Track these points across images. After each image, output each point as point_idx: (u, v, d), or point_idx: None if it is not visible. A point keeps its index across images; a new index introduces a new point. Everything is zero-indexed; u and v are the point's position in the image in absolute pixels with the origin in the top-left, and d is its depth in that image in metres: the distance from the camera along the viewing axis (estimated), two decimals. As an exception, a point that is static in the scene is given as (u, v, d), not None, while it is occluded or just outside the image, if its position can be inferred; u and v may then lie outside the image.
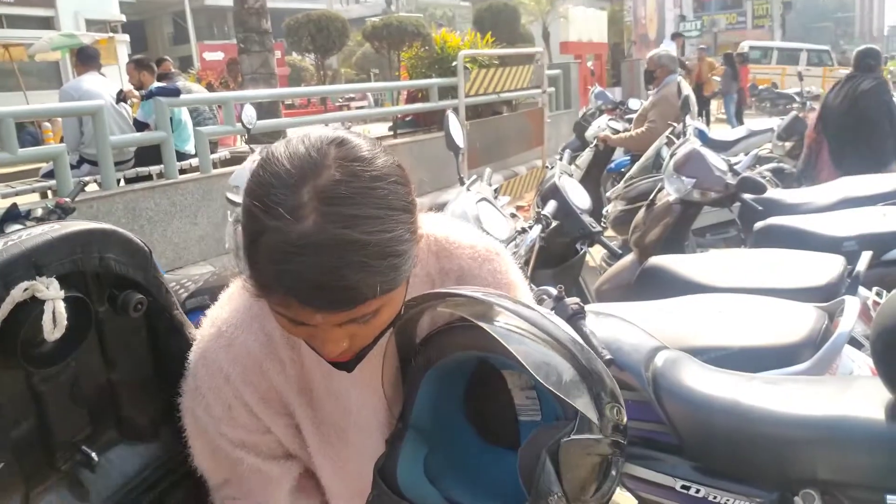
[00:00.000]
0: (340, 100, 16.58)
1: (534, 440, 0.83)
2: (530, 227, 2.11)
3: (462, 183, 2.75)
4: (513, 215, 2.35)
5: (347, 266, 0.74)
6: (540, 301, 1.72)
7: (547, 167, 4.18)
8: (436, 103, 7.70)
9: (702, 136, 5.00)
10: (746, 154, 4.68)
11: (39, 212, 3.03)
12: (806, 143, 5.07)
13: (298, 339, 0.94)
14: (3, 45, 13.16)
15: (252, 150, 4.33)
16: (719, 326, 1.89)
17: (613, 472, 0.84)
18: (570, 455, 0.80)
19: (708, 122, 12.26)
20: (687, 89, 4.77)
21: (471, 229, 1.10)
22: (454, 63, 7.44)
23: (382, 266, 0.76)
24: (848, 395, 1.40)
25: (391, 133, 9.35)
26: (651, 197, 3.22)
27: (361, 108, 15.26)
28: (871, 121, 4.51)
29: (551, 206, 2.35)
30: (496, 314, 0.88)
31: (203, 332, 1.03)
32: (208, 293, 2.76)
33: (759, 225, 2.98)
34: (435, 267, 1.03)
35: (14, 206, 2.99)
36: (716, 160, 3.16)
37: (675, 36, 12.87)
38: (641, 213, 3.17)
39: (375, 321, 0.83)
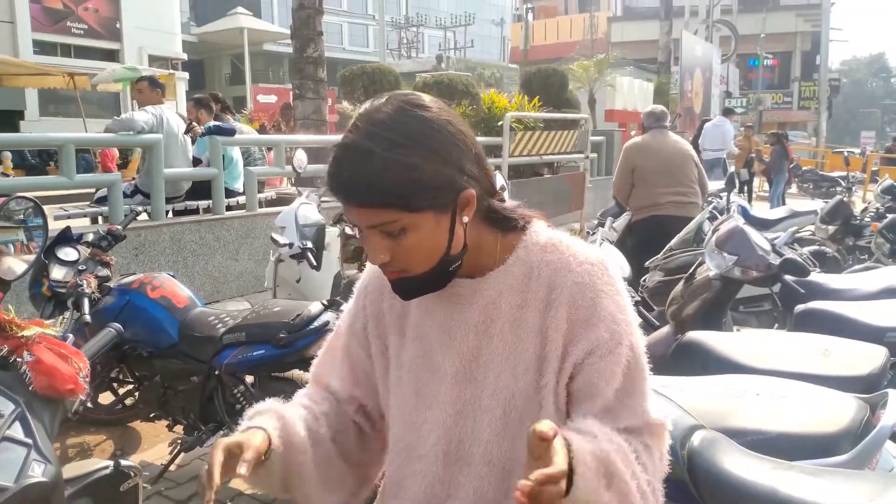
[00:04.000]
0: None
1: None
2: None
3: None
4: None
5: (364, 169, 0.94)
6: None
7: (588, 232, 4.20)
8: (479, 160, 7.81)
9: (744, 213, 4.99)
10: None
11: (91, 237, 3.14)
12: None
13: None
14: (69, 73, 13.76)
15: (299, 193, 4.45)
16: (757, 409, 1.86)
17: None
18: None
19: (750, 199, 12.20)
20: (731, 166, 4.78)
21: (584, 244, 1.14)
22: (500, 122, 7.57)
23: (393, 181, 0.94)
24: (890, 493, 1.36)
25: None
26: (691, 270, 3.20)
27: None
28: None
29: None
30: None
31: None
32: (245, 330, 2.81)
33: (799, 308, 2.94)
34: (538, 258, 1.08)
35: (67, 229, 3.10)
36: (759, 239, 3.14)
37: (728, 112, 12.90)
38: (680, 286, 3.15)
39: (406, 241, 0.99)
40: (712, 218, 3.78)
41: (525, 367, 1.06)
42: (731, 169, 4.46)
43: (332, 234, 4.31)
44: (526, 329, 1.06)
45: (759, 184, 15.59)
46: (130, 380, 3.23)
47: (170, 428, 3.10)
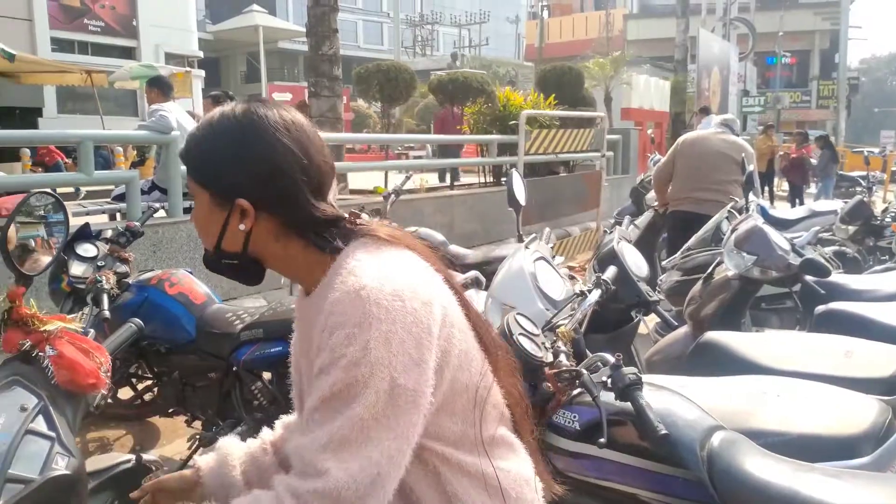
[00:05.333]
0: (400, 148, 16.91)
1: None
2: (589, 291, 2.11)
3: (520, 240, 2.78)
4: (571, 277, 2.35)
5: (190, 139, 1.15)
6: (595, 368, 1.72)
7: (605, 231, 4.18)
8: (494, 159, 7.81)
9: (763, 212, 4.94)
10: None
11: (109, 233, 3.16)
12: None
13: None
14: (87, 71, 13.86)
15: (315, 191, 4.48)
16: (778, 411, 1.84)
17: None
18: None
19: (772, 199, 12.12)
20: (752, 165, 4.75)
21: (389, 275, 1.06)
22: (515, 121, 7.56)
23: (193, 150, 1.12)
24: (913, 496, 1.35)
25: (447, 185, 9.49)
26: (709, 270, 3.18)
27: (419, 157, 15.54)
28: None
29: (610, 271, 2.35)
30: None
31: None
32: (262, 327, 2.82)
33: (820, 309, 2.91)
34: (330, 284, 1.07)
35: (86, 225, 3.12)
36: (778, 239, 3.11)
37: (704, 111, 12.93)
38: (698, 285, 3.13)
39: (194, 209, 1.15)
40: (731, 217, 3.75)
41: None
42: (751, 168, 4.41)
43: (348, 231, 4.32)
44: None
45: (778, 183, 15.46)
46: (149, 375, 3.25)
47: (188, 423, 3.12)
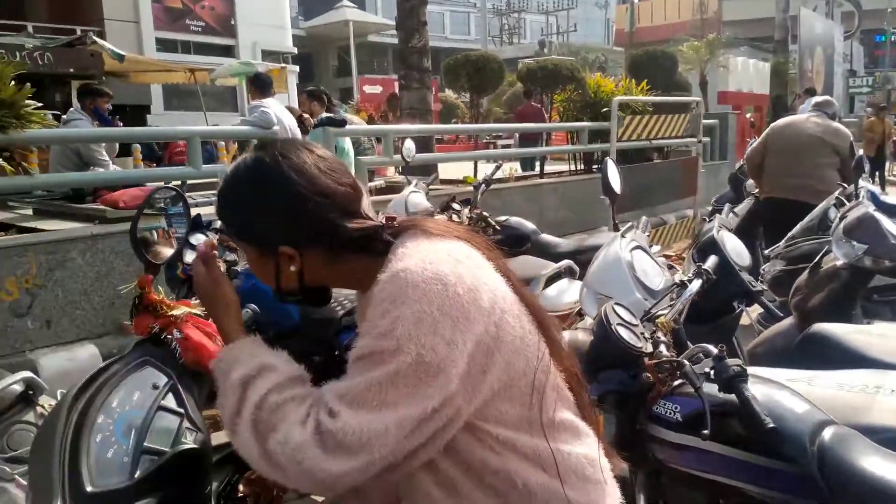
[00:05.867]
0: (488, 137, 16.89)
1: None
2: (689, 281, 2.07)
3: (616, 229, 2.75)
4: (669, 267, 2.30)
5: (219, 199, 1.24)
6: (697, 359, 1.69)
7: (703, 219, 4.06)
8: (586, 146, 7.70)
9: (874, 199, 4.67)
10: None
11: (219, 224, 3.33)
12: None
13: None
14: (190, 69, 14.55)
15: (409, 182, 4.55)
16: (891, 406, 1.76)
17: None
18: None
19: (883, 185, 11.39)
20: (860, 150, 4.50)
21: (432, 261, 1.09)
22: (607, 108, 7.42)
23: (228, 214, 1.22)
24: None
25: (536, 173, 9.42)
26: (816, 259, 3.04)
27: (508, 146, 15.49)
28: None
29: (711, 260, 2.29)
30: None
31: None
32: (361, 313, 2.91)
33: (939, 301, 2.74)
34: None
35: (198, 216, 3.30)
36: (891, 227, 2.94)
37: (809, 92, 12.06)
38: (805, 275, 3.00)
39: (248, 260, 1.25)
40: (839, 204, 3.57)
41: None
42: (861, 152, 4.18)
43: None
44: None
45: (890, 168, 14.52)
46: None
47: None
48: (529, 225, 4.24)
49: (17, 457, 1.69)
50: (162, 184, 1.78)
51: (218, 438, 1.41)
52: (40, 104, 4.25)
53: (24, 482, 1.65)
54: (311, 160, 1.18)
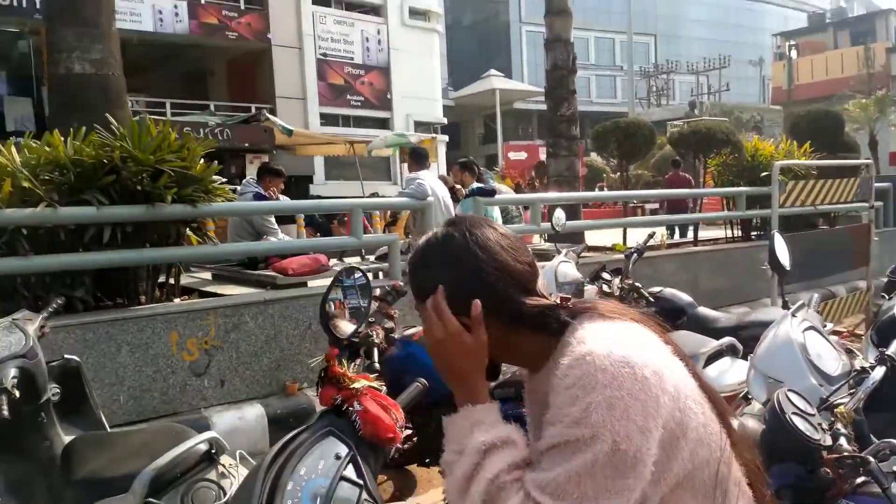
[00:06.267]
0: (635, 201, 16.62)
1: None
2: (871, 368, 1.93)
3: (785, 305, 2.61)
4: (847, 351, 2.15)
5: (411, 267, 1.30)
6: (883, 455, 1.57)
7: (882, 296, 3.75)
8: (744, 212, 7.39)
9: None
10: None
11: (378, 291, 3.51)
12: None
13: None
14: (350, 141, 15.57)
15: (558, 251, 4.57)
16: None
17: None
18: None
19: None
20: None
21: (616, 343, 1.08)
22: (765, 172, 7.10)
23: (414, 280, 1.27)
24: None
25: (689, 240, 9.12)
26: None
27: (655, 211, 15.13)
28: None
29: (895, 345, 2.12)
30: None
31: None
32: (515, 385, 2.92)
33: None
34: (558, 361, 1.11)
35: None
36: None
37: None
38: None
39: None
40: None
41: None
42: None
43: (590, 291, 4.34)
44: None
45: None
46: (409, 426, 3.49)
47: (443, 475, 3.29)
48: (685, 297, 4.10)
49: (199, 513, 1.83)
50: (346, 264, 1.94)
51: (390, 511, 1.47)
52: (224, 180, 4.71)
53: (206, 538, 1.79)
54: (494, 237, 1.23)
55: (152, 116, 5.29)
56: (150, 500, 1.79)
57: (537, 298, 1.22)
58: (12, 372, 2.13)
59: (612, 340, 1.09)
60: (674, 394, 1.07)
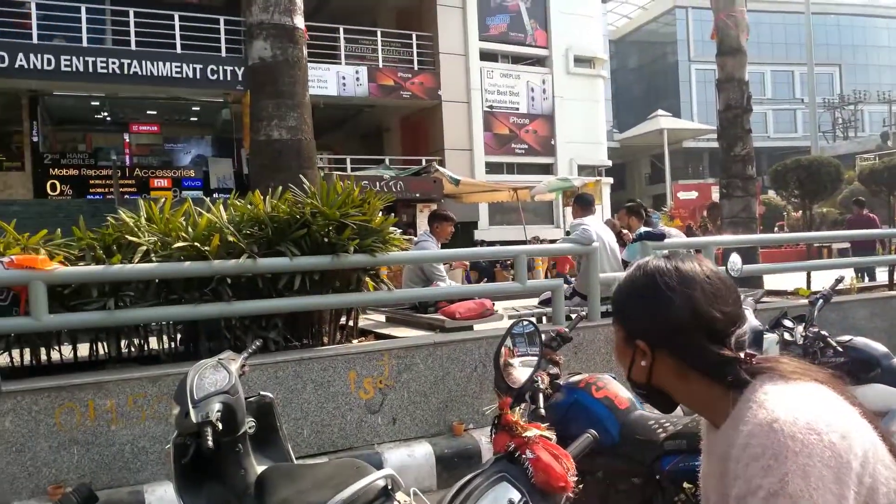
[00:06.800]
0: (819, 242, 15.38)
1: None
2: None
3: None
4: None
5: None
6: None
7: None
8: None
9: None
10: None
11: (543, 337, 3.55)
12: None
13: None
14: (513, 188, 15.85)
15: (734, 298, 4.38)
16: None
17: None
18: None
19: None
20: None
21: (801, 408, 1.06)
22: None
23: (616, 298, 1.35)
24: None
25: (883, 283, 8.29)
26: None
27: (844, 252, 13.90)
28: None
29: None
30: None
31: None
32: (686, 438, 2.83)
33: None
34: (742, 421, 1.11)
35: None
36: None
37: None
38: None
39: (615, 341, 1.34)
40: None
41: None
42: None
43: (769, 340, 4.10)
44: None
45: None
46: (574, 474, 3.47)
47: (611, 527, 3.22)
48: (879, 347, 3.76)
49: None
50: (521, 320, 2.03)
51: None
52: (399, 231, 5.02)
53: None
54: (700, 278, 1.25)
55: (336, 171, 5.76)
56: (335, 530, 1.94)
57: (723, 349, 1.21)
58: (217, 406, 2.41)
59: (796, 405, 1.07)
60: (863, 459, 1.03)
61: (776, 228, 19.52)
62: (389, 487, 2.11)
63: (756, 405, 1.10)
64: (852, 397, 1.16)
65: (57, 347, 4.27)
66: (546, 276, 11.41)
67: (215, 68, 15.64)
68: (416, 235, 8.31)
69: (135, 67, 15.09)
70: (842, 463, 1.00)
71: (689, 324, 1.20)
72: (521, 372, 1.72)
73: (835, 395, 1.13)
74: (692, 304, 1.21)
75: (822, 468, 0.99)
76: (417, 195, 13.80)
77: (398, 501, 2.10)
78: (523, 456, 1.51)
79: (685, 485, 2.99)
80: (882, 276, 8.66)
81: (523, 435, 1.52)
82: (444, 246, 6.47)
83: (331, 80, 17.78)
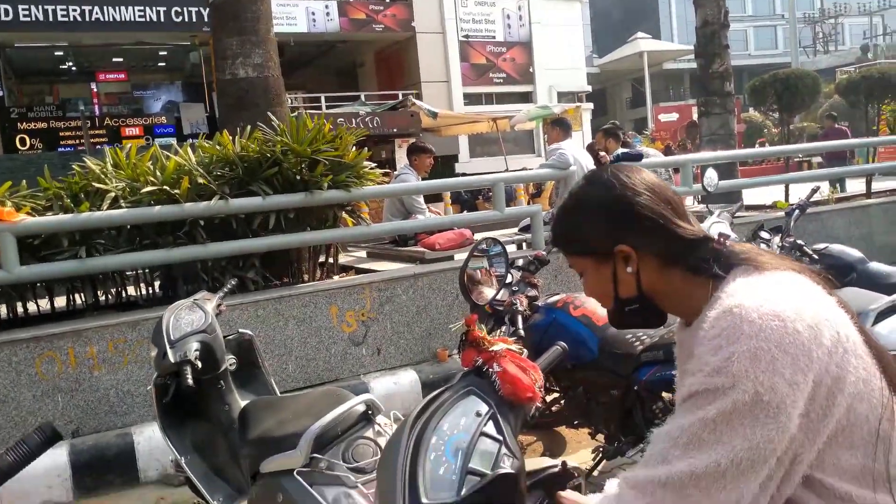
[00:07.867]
0: (800, 156, 15.41)
1: None
2: None
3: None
4: None
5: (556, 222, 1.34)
6: None
7: None
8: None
9: None
10: None
11: (521, 261, 3.56)
12: None
13: None
14: (493, 118, 15.64)
15: (710, 212, 4.38)
16: None
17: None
18: None
19: None
20: None
21: (770, 297, 1.05)
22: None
23: (564, 233, 1.31)
24: None
25: (861, 192, 8.35)
26: None
27: (823, 165, 13.96)
28: None
29: None
30: None
31: None
32: (662, 349, 2.88)
33: None
34: (709, 312, 1.10)
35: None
36: None
37: None
38: None
39: (585, 281, 1.31)
40: None
41: None
42: None
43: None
44: None
45: None
46: (556, 389, 3.53)
47: (592, 436, 3.31)
48: (854, 253, 3.81)
49: (359, 468, 1.98)
50: (485, 236, 2.02)
51: (528, 466, 1.53)
52: (375, 165, 4.95)
53: (366, 490, 1.93)
54: (638, 174, 1.26)
55: (310, 111, 5.65)
56: (315, 455, 1.96)
57: (692, 226, 1.22)
58: (195, 346, 2.43)
59: (765, 294, 1.07)
60: (830, 348, 1.03)
61: (757, 145, 19.49)
62: (370, 412, 2.14)
63: (725, 294, 1.10)
64: (829, 287, 1.15)
65: (34, 300, 4.24)
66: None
67: (179, 10, 15.09)
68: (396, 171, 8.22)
69: (97, 13, 14.54)
70: (802, 351, 1.00)
71: (658, 205, 1.20)
72: (490, 290, 1.71)
73: (812, 284, 1.13)
74: (651, 187, 1.22)
75: (778, 352, 0.99)
76: (395, 130, 13.60)
77: (378, 424, 2.13)
78: (490, 370, 1.50)
79: (663, 394, 3.06)
80: (853, 185, 8.71)
81: (490, 349, 1.51)
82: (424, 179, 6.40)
83: (300, 15, 17.26)
